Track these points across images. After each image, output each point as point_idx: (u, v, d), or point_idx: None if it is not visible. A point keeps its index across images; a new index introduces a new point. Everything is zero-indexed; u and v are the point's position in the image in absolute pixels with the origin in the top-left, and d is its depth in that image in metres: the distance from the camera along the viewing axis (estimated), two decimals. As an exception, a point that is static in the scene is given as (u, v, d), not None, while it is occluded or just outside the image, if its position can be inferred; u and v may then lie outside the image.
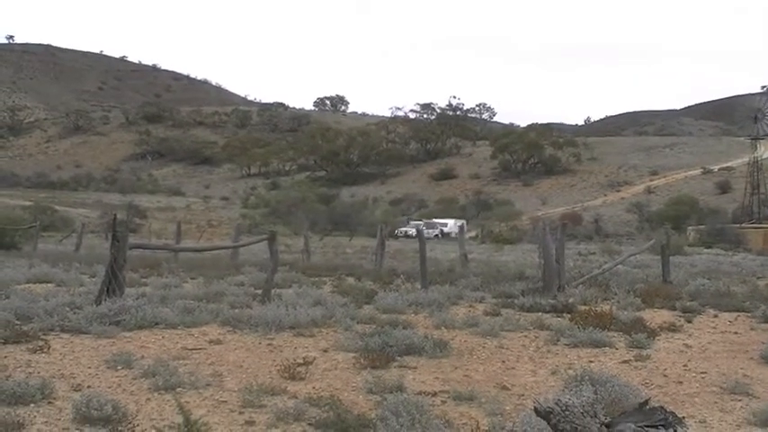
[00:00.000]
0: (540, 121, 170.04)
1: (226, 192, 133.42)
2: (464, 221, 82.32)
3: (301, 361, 9.23)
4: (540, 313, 14.14)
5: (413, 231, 74.91)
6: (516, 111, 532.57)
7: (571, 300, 15.45)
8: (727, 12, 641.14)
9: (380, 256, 25.24)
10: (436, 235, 76.33)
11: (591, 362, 9.76)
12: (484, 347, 10.85)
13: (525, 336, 11.95)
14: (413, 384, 8.35)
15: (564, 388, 7.72)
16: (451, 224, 78.16)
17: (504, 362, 9.87)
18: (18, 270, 21.68)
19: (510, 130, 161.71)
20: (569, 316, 13.46)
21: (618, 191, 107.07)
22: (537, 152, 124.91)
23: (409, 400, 7.11)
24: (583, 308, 14.32)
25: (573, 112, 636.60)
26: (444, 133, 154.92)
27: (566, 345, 11.12)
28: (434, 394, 7.95)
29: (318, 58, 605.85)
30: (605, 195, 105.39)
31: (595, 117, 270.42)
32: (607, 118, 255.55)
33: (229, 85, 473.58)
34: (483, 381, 8.71)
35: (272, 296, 14.89)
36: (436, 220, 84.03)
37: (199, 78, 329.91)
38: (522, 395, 8.05)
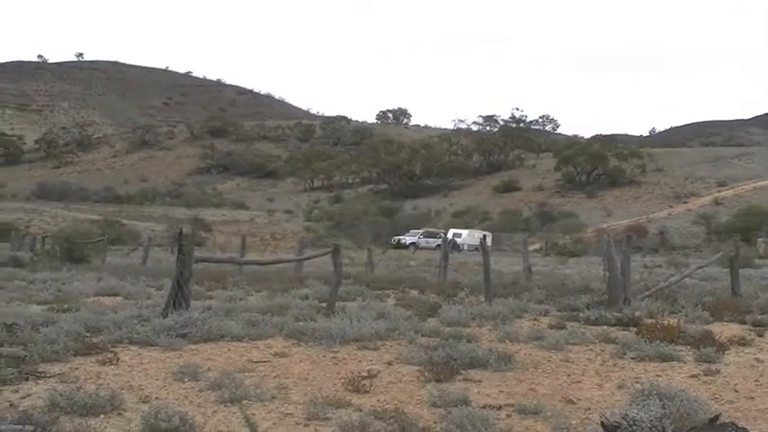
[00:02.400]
0: (604, 133, 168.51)
1: (289, 205, 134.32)
2: (487, 233, 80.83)
3: (366, 374, 9.24)
4: (605, 326, 13.99)
5: (406, 240, 74.06)
6: (580, 122, 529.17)
7: (637, 313, 15.24)
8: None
9: (444, 268, 25.20)
10: (438, 245, 74.18)
11: (658, 376, 9.61)
12: (549, 361, 10.76)
13: (591, 349, 11.82)
14: (477, 398, 8.31)
15: (631, 402, 7.61)
16: (465, 235, 76.38)
17: (569, 375, 9.77)
18: (87, 283, 22.10)
19: (574, 141, 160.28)
20: (635, 329, 13.26)
21: (684, 202, 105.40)
22: (601, 164, 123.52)
23: (474, 414, 7.09)
24: (649, 321, 14.10)
25: (637, 122, 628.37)
26: (507, 145, 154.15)
27: (632, 358, 10.97)
28: (499, 408, 7.91)
29: (381, 71, 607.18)
30: (671, 207, 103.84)
31: (660, 128, 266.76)
32: (672, 129, 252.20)
33: (292, 99, 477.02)
34: (548, 394, 8.63)
35: (336, 309, 14.94)
36: (455, 230, 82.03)
37: (262, 93, 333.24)
38: (589, 409, 7.96)
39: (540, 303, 17.85)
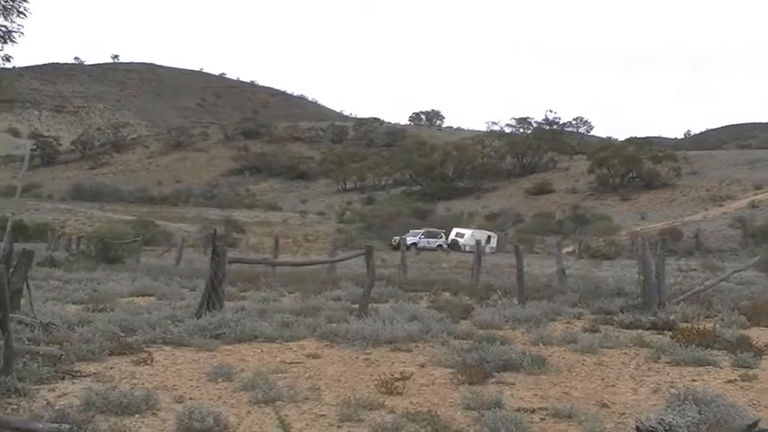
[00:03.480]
0: (638, 135, 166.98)
1: (322, 206, 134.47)
2: (492, 234, 79.44)
3: (399, 376, 9.23)
4: (639, 330, 13.88)
5: (407, 241, 71.00)
6: (614, 124, 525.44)
7: (672, 317, 15.12)
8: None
9: (477, 270, 25.12)
10: (439, 245, 72.82)
11: (694, 381, 9.51)
12: (583, 364, 10.69)
13: (625, 353, 11.73)
14: (511, 401, 8.28)
15: (666, 407, 7.54)
16: (468, 235, 74.30)
17: (603, 379, 9.70)
18: (122, 283, 22.29)
19: (608, 143, 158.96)
20: (670, 333, 13.15)
21: (720, 205, 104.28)
22: (635, 166, 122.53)
23: (508, 417, 7.07)
24: (684, 325, 13.97)
25: (673, 125, 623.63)
26: (540, 147, 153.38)
27: (667, 363, 10.87)
28: (533, 411, 7.87)
29: (414, 72, 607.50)
30: (706, 210, 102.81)
31: (696, 130, 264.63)
32: (708, 131, 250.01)
33: (325, 101, 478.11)
34: (582, 398, 8.58)
35: (369, 311, 14.94)
36: (457, 230, 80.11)
37: (295, 94, 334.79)
38: (623, 413, 7.90)
39: (573, 306, 17.77)
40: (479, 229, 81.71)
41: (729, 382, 9.61)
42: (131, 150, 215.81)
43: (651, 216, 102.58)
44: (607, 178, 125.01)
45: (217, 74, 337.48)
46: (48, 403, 7.73)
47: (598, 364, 10.70)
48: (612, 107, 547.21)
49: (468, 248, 70.97)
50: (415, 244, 69.53)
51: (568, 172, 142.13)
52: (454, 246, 72.85)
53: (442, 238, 76.01)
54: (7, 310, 8.38)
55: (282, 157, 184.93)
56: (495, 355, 10.20)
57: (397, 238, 68.96)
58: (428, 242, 70.02)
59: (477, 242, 27.57)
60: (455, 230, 78.81)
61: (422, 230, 76.58)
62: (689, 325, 13.84)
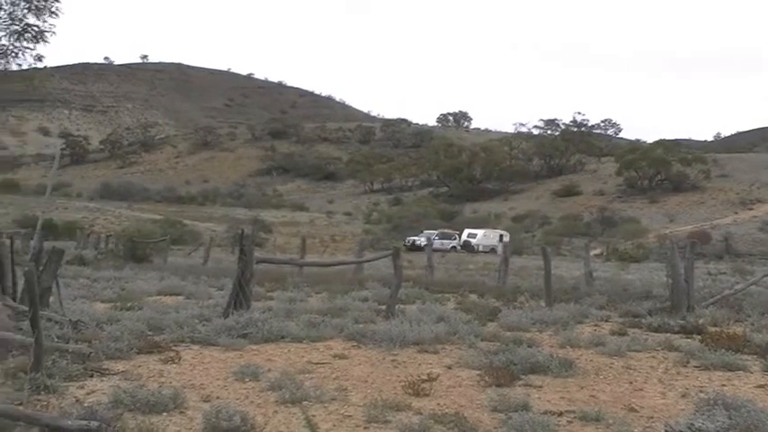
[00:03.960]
0: (667, 137, 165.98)
1: (349, 207, 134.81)
2: (504, 233, 78.39)
3: (425, 377, 9.20)
4: (668, 334, 13.78)
5: (421, 242, 65.29)
6: (643, 127, 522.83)
7: (701, 320, 14.99)
8: None
9: (504, 272, 25.03)
10: (453, 247, 71.19)
11: (723, 385, 9.43)
12: (610, 367, 10.63)
13: (653, 356, 11.65)
14: (538, 403, 8.24)
15: (695, 412, 7.49)
16: (480, 235, 73.95)
17: (631, 383, 9.64)
18: (150, 282, 22.42)
19: (636, 146, 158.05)
20: (699, 337, 13.05)
21: (750, 209, 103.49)
22: (664, 168, 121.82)
23: (535, 420, 7.05)
24: (713, 329, 13.86)
25: (702, 127, 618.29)
26: (568, 149, 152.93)
27: (696, 367, 10.78)
28: (560, 414, 7.83)
29: (442, 73, 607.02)
30: (736, 213, 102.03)
31: (726, 132, 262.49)
32: (738, 134, 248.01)
33: (353, 102, 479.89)
34: (610, 401, 8.52)
35: (396, 312, 14.94)
36: (469, 230, 78.69)
37: (323, 95, 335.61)
38: (652, 417, 7.84)
39: (601, 309, 17.68)
40: (494, 229, 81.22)
41: (760, 387, 9.51)
42: (159, 150, 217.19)
43: (680, 219, 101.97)
44: (635, 180, 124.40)
45: (244, 74, 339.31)
46: (77, 400, 7.78)
47: (626, 368, 10.63)
48: (641, 110, 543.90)
49: (480, 248, 70.38)
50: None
51: (596, 174, 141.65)
52: (467, 246, 71.79)
53: (455, 239, 74.86)
54: (37, 308, 8.45)
55: (310, 157, 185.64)
56: (523, 357, 10.17)
57: (411, 239, 68.03)
58: (442, 243, 68.59)
59: (504, 245, 27.45)
60: (467, 231, 77.70)
61: (436, 231, 75.65)
62: (718, 329, 13.73)
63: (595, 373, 10.14)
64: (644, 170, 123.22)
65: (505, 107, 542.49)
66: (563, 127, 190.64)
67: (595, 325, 15.34)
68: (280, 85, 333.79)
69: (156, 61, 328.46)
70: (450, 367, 10.38)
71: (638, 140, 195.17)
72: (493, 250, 62.55)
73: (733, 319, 15.81)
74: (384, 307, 15.74)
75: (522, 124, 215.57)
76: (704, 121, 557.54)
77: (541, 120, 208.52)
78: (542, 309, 16.65)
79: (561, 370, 9.88)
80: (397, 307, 15.49)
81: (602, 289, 22.37)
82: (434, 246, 66.07)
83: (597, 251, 68.85)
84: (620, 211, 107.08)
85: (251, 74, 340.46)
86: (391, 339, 11.88)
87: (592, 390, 9.13)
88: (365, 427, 7.26)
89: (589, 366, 10.57)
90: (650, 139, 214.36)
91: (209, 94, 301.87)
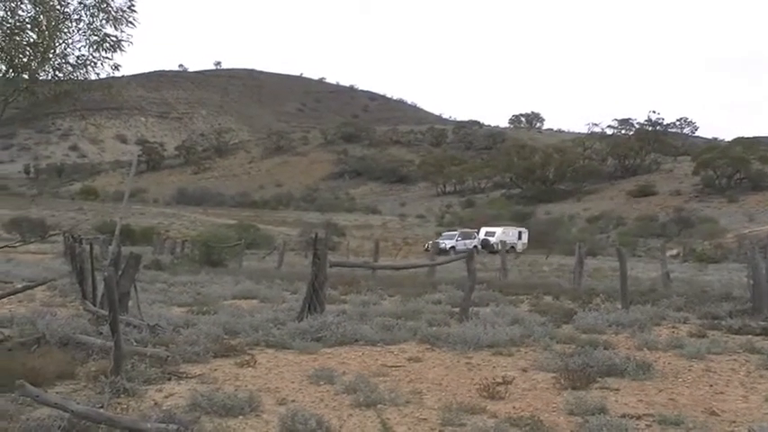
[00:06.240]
0: (745, 135, 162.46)
1: (421, 210, 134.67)
2: (523, 230, 75.27)
3: (500, 380, 9.16)
4: (749, 336, 13.49)
5: (446, 244, 63.93)
6: (720, 125, 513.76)
7: (784, 322, 14.66)
8: None
9: (579, 274, 24.76)
10: (474, 246, 63.43)
11: (808, 388, 9.20)
12: (690, 370, 10.42)
13: (734, 359, 11.39)
14: (615, 407, 8.12)
15: (779, 415, 7.32)
16: (499, 233, 69.95)
17: (711, 386, 9.44)
18: (225, 286, 22.69)
19: (713, 144, 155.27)
20: (782, 339, 12.77)
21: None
22: (743, 167, 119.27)
23: (613, 423, 6.96)
24: (797, 331, 13.55)
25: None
26: (643, 149, 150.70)
27: (779, 370, 10.54)
28: (639, 417, 7.70)
29: (514, 74, 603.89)
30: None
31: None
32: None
33: (425, 104, 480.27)
34: (690, 405, 8.36)
35: (469, 314, 14.88)
36: (487, 229, 75.19)
37: (395, 98, 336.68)
38: (734, 422, 7.66)
39: (678, 311, 17.37)
40: (510, 225, 78.61)
41: None
42: (233, 155, 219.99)
43: (759, 218, 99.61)
44: (713, 179, 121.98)
45: (316, 78, 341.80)
46: (155, 403, 7.91)
47: (706, 371, 10.42)
48: (719, 108, 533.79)
49: (499, 247, 68.35)
50: (453, 248, 63.56)
51: (672, 174, 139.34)
52: (486, 245, 69.52)
53: (475, 238, 72.40)
54: (117, 313, 8.61)
55: (382, 160, 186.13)
56: (599, 359, 10.05)
57: (431, 242, 64.89)
58: (465, 244, 66.10)
59: (578, 245, 27.05)
60: (484, 229, 75.09)
61: (458, 232, 73.52)
62: (801, 331, 13.40)
63: (674, 376, 9.96)
64: (722, 169, 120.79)
65: (578, 107, 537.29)
66: (637, 126, 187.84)
67: (673, 327, 15.07)
68: (351, 89, 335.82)
69: (229, 67, 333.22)
70: (525, 370, 10.30)
71: (714, 139, 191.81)
72: (512, 248, 60.15)
73: (817, 320, 15.41)
74: (458, 310, 15.69)
75: (596, 124, 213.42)
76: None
77: (615, 119, 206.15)
78: (618, 310, 16.42)
79: (639, 372, 9.73)
80: (471, 309, 15.43)
81: (679, 290, 21.99)
82: (458, 247, 64.39)
83: (674, 252, 67.64)
84: (698, 211, 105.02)
85: (323, 78, 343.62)
86: (465, 342, 11.84)
87: (671, 393, 8.97)
88: (440, 431, 7.24)
89: (667, 369, 10.38)
90: (728, 137, 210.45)
91: (281, 98, 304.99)
